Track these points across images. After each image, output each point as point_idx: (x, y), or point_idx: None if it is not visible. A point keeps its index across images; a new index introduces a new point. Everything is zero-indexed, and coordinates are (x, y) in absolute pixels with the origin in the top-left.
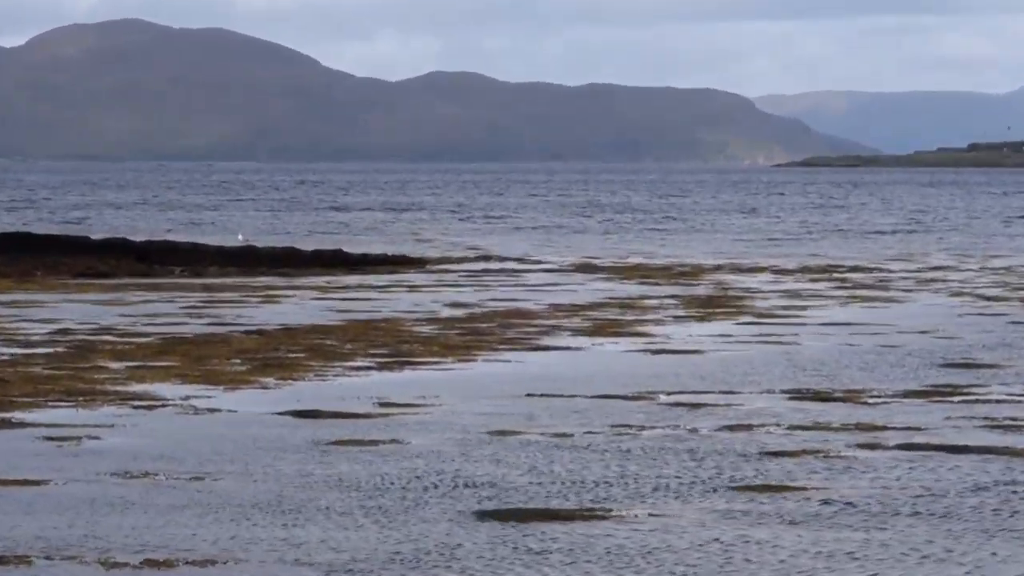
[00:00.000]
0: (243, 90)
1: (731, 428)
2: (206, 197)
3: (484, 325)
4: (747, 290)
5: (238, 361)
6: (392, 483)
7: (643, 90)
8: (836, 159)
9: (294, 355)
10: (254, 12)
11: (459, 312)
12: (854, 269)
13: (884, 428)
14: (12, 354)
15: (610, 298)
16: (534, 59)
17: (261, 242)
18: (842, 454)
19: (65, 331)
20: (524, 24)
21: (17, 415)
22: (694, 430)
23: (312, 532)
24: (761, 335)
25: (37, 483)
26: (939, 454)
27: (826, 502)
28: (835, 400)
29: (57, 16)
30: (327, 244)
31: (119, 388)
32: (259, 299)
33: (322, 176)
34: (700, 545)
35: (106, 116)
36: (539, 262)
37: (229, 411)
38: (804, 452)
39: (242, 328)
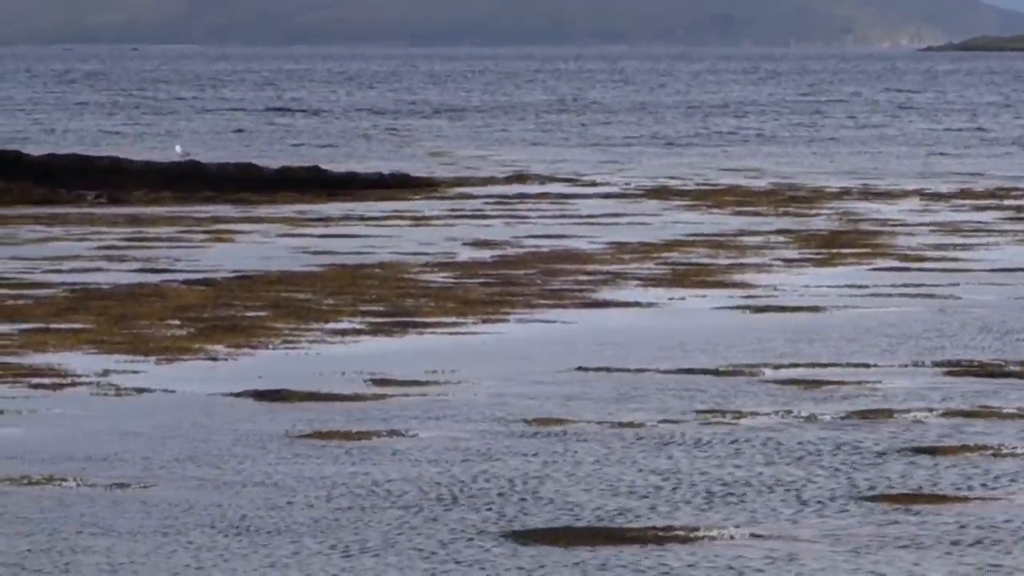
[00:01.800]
0: None
1: (864, 415)
2: (133, 95)
3: (519, 272)
4: (885, 222)
5: (176, 322)
6: (389, 493)
7: None
8: (1011, 40)
9: (253, 314)
10: None
11: (484, 254)
12: None
13: None
14: None
15: (695, 234)
16: None
17: (208, 156)
18: (1019, 451)
19: None
20: None
21: None
22: (812, 418)
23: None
24: (906, 285)
25: None
26: None
27: (993, 524)
28: (1010, 376)
29: None
30: (297, 159)
31: (11, 360)
32: (205, 236)
33: (289, 65)
34: None
35: None
36: (596, 184)
37: (164, 391)
38: (966, 449)
39: (181, 277)
